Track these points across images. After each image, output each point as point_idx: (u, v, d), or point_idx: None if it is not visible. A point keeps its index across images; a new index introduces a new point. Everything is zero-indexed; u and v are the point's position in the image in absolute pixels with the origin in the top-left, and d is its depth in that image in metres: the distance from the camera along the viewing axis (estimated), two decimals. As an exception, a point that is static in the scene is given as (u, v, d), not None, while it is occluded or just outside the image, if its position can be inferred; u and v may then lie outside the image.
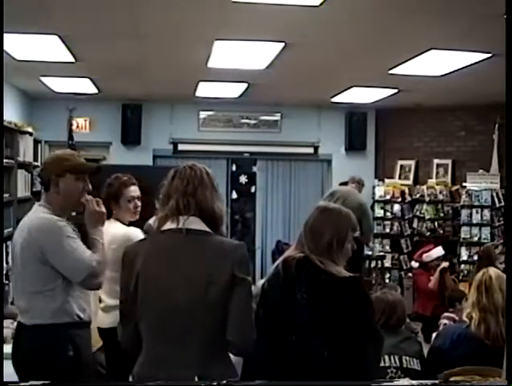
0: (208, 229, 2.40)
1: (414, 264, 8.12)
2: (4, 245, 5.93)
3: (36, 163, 7.71)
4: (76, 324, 3.05)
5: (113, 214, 3.88)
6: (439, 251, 7.71)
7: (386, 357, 3.35)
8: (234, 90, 8.50)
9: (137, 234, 3.77)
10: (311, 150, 10.34)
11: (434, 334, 3.94)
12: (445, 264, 7.54)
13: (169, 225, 2.41)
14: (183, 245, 2.38)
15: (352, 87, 8.12)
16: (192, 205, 2.39)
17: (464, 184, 9.26)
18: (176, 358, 2.33)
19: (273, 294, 2.72)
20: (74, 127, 8.84)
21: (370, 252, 9.05)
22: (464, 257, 8.99)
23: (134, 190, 3.99)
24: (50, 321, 3.00)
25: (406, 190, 10.00)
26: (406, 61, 6.37)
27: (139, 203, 3.99)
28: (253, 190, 10.54)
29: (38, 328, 3.02)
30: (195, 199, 2.40)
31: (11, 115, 7.58)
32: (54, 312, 3.00)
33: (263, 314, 2.75)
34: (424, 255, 7.70)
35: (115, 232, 3.75)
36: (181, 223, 2.38)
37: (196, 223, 2.39)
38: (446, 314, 4.87)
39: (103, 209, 3.18)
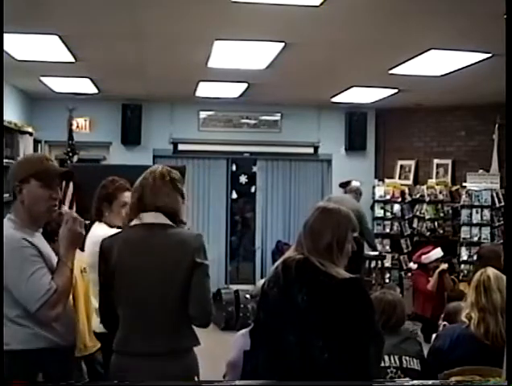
0: (170, 222, 2.78)
1: (413, 265, 8.11)
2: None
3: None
4: (50, 350, 2.72)
5: (104, 217, 3.89)
6: (437, 252, 7.70)
7: (386, 357, 3.34)
8: (234, 90, 8.50)
9: None
10: (311, 150, 10.33)
11: (434, 335, 3.94)
12: (444, 266, 7.52)
13: (137, 221, 2.79)
14: (151, 237, 2.75)
15: (352, 87, 8.12)
16: (157, 202, 2.76)
17: (464, 184, 9.26)
18: (150, 332, 2.70)
19: (273, 296, 2.70)
20: (74, 127, 8.82)
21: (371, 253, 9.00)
22: (464, 257, 8.99)
23: (128, 196, 3.80)
24: (20, 347, 2.68)
25: (406, 190, 10.00)
26: (406, 61, 6.37)
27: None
28: (253, 190, 10.54)
29: (8, 355, 2.66)
30: (159, 197, 2.77)
31: (11, 115, 7.59)
32: (24, 337, 2.68)
33: (263, 315, 2.75)
34: (423, 256, 7.69)
35: (99, 234, 3.73)
36: (148, 219, 2.76)
37: (160, 218, 2.77)
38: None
39: (82, 231, 2.81)
